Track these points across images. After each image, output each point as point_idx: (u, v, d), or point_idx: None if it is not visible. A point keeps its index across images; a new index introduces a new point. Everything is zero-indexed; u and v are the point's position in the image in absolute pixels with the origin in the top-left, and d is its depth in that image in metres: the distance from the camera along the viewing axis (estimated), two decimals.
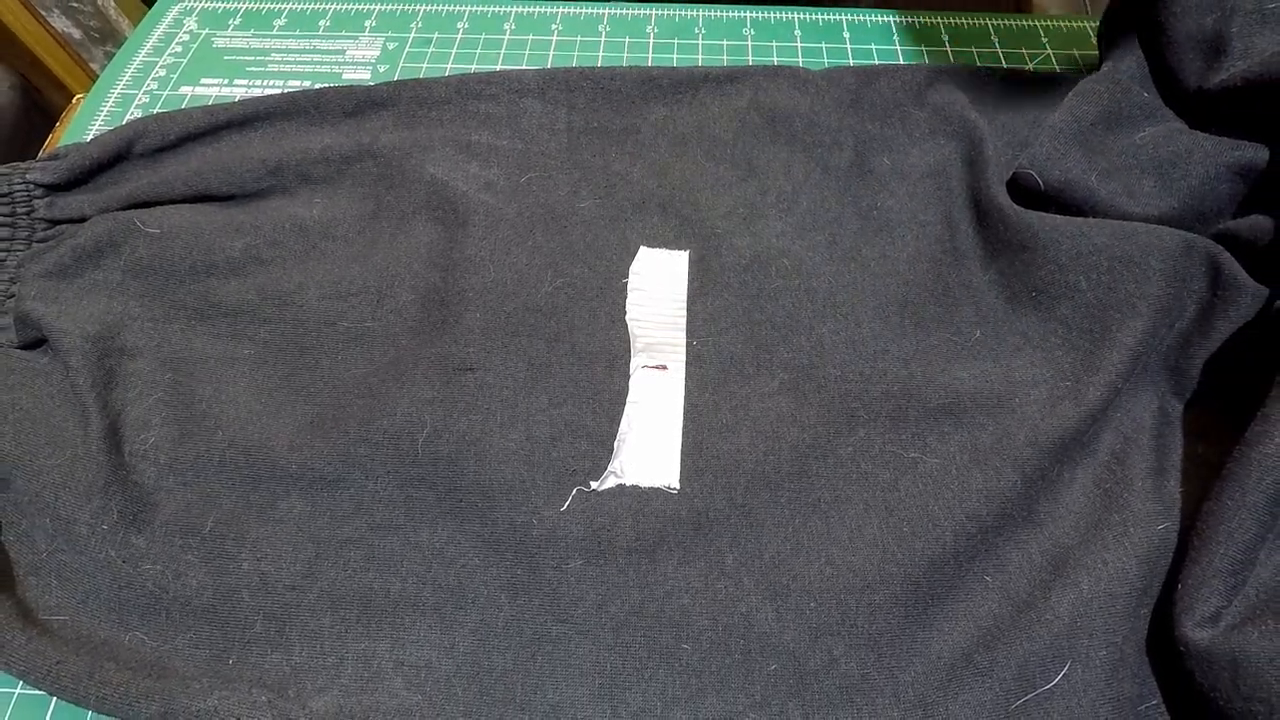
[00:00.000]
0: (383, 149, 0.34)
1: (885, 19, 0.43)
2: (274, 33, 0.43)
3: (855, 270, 0.32)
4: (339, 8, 0.44)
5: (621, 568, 0.26)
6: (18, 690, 0.25)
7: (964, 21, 0.43)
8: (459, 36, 0.42)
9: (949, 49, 0.42)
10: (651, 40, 0.41)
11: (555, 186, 0.33)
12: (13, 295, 0.30)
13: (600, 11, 0.43)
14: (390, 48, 0.42)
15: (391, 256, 0.32)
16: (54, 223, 0.32)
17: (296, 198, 0.33)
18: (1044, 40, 0.42)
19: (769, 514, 0.26)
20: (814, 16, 0.42)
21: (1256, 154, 0.29)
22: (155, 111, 0.38)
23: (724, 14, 0.43)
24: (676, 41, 0.42)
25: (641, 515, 0.26)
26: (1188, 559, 0.24)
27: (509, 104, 0.35)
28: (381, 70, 0.41)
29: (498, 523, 0.26)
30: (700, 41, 0.42)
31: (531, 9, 0.43)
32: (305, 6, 0.44)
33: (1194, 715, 0.23)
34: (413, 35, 0.42)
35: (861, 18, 0.43)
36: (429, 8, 0.44)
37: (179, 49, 0.42)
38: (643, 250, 0.32)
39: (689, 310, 0.30)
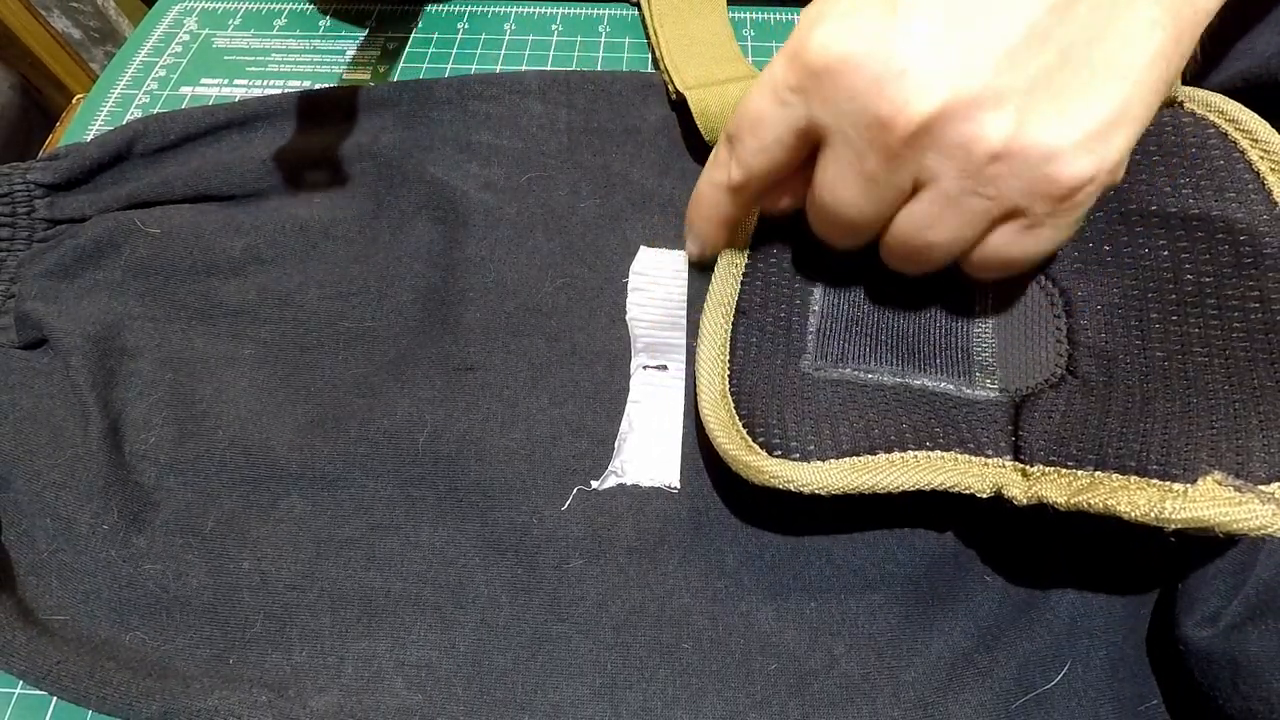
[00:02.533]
0: (383, 149, 0.34)
1: None
2: (274, 33, 0.43)
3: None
4: (339, 8, 0.44)
5: (622, 567, 0.26)
6: (18, 690, 0.25)
7: None
8: (459, 36, 0.42)
9: None
10: None
11: (555, 186, 0.33)
12: (13, 295, 0.30)
13: (600, 12, 0.43)
14: (390, 48, 0.42)
15: (392, 256, 0.32)
16: (54, 223, 0.32)
17: (296, 198, 0.33)
18: None
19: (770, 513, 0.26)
20: None
21: None
22: (155, 111, 0.38)
23: None
24: None
25: (642, 514, 0.26)
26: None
27: (509, 104, 0.35)
28: (381, 70, 0.41)
29: (498, 522, 0.26)
30: None
31: (531, 9, 0.43)
32: (305, 6, 0.44)
33: (1194, 715, 0.23)
34: (413, 35, 0.42)
35: None
36: (429, 8, 0.44)
37: (179, 49, 0.42)
38: (643, 250, 0.32)
39: (689, 310, 0.30)
